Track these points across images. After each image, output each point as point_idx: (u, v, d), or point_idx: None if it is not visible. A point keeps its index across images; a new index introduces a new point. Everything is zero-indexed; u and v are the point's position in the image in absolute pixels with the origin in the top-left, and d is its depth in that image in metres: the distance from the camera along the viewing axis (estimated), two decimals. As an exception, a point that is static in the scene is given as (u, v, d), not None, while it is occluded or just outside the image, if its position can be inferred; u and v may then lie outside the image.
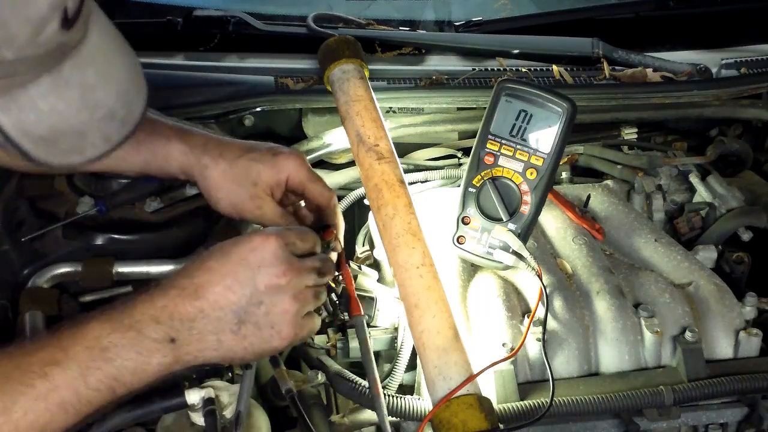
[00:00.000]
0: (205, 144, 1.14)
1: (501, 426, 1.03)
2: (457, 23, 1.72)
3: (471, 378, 0.99)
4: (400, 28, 1.71)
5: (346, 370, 1.16)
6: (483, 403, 0.97)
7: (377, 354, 1.27)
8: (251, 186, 1.12)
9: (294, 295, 0.95)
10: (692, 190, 1.51)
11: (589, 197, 1.41)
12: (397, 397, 1.09)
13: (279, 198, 1.15)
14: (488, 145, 1.22)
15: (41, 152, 0.79)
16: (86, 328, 0.89)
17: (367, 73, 1.38)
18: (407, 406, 1.08)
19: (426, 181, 1.49)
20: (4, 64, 0.71)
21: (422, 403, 1.08)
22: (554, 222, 1.36)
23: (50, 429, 0.85)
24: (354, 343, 1.21)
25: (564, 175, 1.55)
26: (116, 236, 1.26)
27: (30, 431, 0.83)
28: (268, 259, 0.95)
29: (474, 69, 1.57)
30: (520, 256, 1.19)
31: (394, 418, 1.10)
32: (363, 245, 1.41)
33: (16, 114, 0.75)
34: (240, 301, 0.93)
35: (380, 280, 1.28)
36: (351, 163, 1.53)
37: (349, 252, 1.36)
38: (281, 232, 0.99)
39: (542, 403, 1.06)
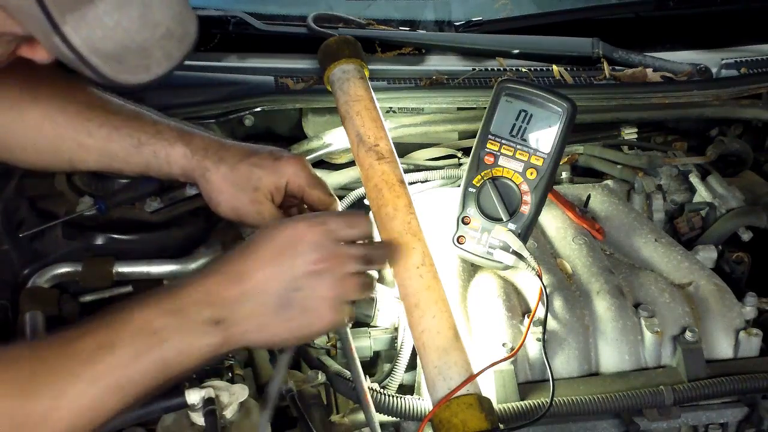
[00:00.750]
0: (207, 147, 1.15)
1: (501, 426, 1.03)
2: (457, 23, 1.72)
3: (471, 378, 0.99)
4: (400, 28, 1.71)
5: (346, 370, 1.16)
6: (483, 402, 0.97)
7: (377, 354, 1.27)
8: (252, 191, 1.13)
9: (333, 282, 0.96)
10: (692, 190, 1.51)
11: (589, 197, 1.41)
12: (396, 397, 1.09)
13: (279, 202, 1.15)
14: (488, 145, 1.22)
15: (109, 69, 0.82)
16: (133, 313, 0.90)
17: (367, 73, 1.38)
18: (407, 406, 1.08)
19: (426, 181, 1.49)
20: None
21: (422, 403, 1.08)
22: (554, 222, 1.36)
23: (103, 412, 0.86)
24: (354, 344, 1.21)
25: (564, 175, 1.55)
26: (116, 236, 1.26)
27: (84, 414, 0.85)
28: (305, 246, 0.96)
29: (474, 69, 1.57)
30: (520, 256, 1.19)
31: (394, 418, 1.10)
32: (363, 245, 1.41)
33: (85, 31, 0.79)
34: (280, 286, 0.94)
35: (380, 280, 1.28)
36: (351, 163, 1.53)
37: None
38: (322, 218, 0.99)
39: (542, 403, 1.06)
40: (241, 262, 0.96)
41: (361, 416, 1.17)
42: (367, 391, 1.06)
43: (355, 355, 1.10)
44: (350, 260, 0.97)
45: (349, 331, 1.11)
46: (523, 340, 1.10)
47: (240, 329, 0.93)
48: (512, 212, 1.20)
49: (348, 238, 0.99)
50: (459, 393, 0.97)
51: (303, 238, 0.96)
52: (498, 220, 1.21)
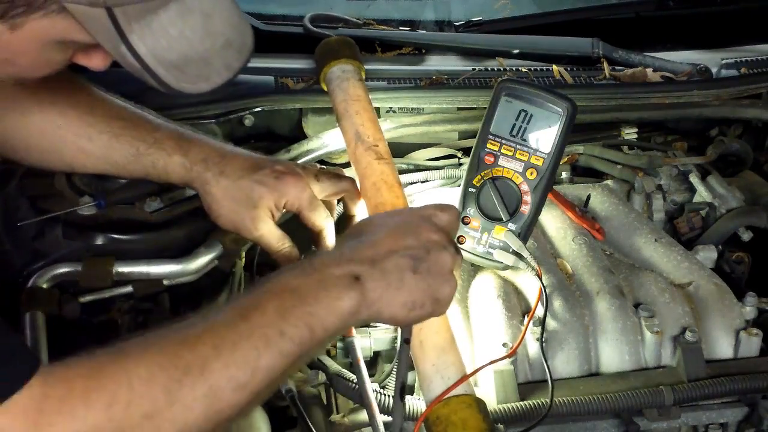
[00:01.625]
0: (206, 158, 1.15)
1: (501, 426, 1.03)
2: (457, 23, 1.72)
3: (468, 375, 0.98)
4: (400, 28, 1.71)
5: (346, 370, 1.15)
6: (480, 405, 0.96)
7: (377, 354, 1.27)
8: (252, 208, 1.14)
9: (449, 255, 0.97)
10: (692, 190, 1.51)
11: (589, 197, 1.41)
12: (397, 397, 1.09)
13: (278, 218, 1.17)
14: (488, 145, 1.22)
15: (172, 78, 0.84)
16: (270, 282, 0.91)
17: (363, 76, 1.38)
18: (407, 407, 1.07)
19: (426, 181, 1.49)
20: None
21: (422, 403, 1.08)
22: (554, 222, 1.36)
23: (260, 367, 0.85)
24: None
25: (564, 175, 1.55)
26: (116, 236, 1.26)
27: (241, 367, 0.84)
28: (424, 219, 0.99)
29: (474, 69, 1.57)
30: (520, 256, 1.19)
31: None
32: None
33: (150, 41, 0.81)
34: (411, 245, 0.95)
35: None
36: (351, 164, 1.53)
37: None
38: (423, 207, 1.04)
39: (542, 403, 1.06)
40: (370, 233, 0.96)
41: (361, 416, 1.17)
42: (374, 401, 1.06)
43: (362, 365, 1.10)
44: (451, 243, 0.99)
45: (356, 341, 1.13)
46: (521, 340, 1.10)
47: (380, 284, 0.92)
48: (512, 212, 1.20)
49: (443, 223, 1.01)
50: (457, 393, 0.97)
51: (417, 214, 1.00)
52: (498, 220, 1.21)
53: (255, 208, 1.13)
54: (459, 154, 1.58)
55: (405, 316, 0.94)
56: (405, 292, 0.93)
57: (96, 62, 0.90)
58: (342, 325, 0.91)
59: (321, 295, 0.89)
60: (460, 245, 1.22)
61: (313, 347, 0.90)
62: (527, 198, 1.20)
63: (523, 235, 1.20)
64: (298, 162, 1.44)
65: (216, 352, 0.82)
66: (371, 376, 1.24)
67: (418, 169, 1.52)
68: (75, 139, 1.16)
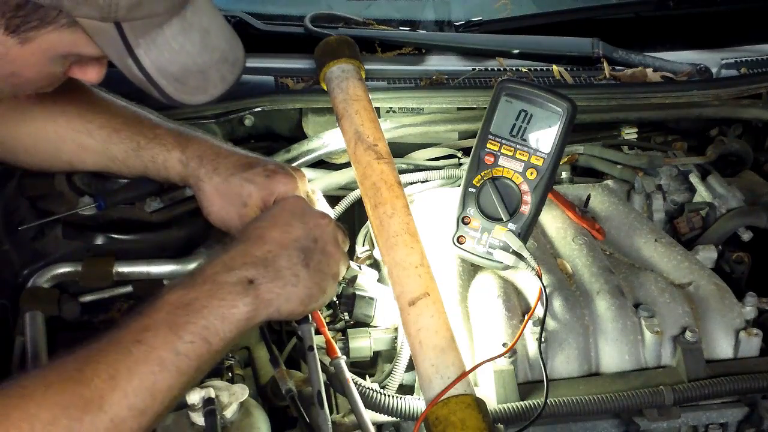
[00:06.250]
0: (202, 155, 1.16)
1: (501, 426, 1.03)
2: (457, 23, 1.72)
3: (465, 374, 0.98)
4: (400, 28, 1.71)
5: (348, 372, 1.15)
6: (480, 405, 0.96)
7: (377, 354, 1.27)
8: (241, 206, 1.14)
9: (334, 238, 1.06)
10: (692, 190, 1.51)
11: (589, 197, 1.41)
12: (396, 397, 1.09)
13: None
14: (488, 145, 1.22)
15: (173, 90, 0.88)
16: (163, 298, 0.92)
17: (363, 76, 1.38)
18: (407, 406, 1.08)
19: (426, 181, 1.49)
20: (148, 2, 0.81)
21: (422, 403, 1.08)
22: (554, 222, 1.36)
23: (158, 390, 0.87)
24: (354, 344, 1.21)
25: (564, 175, 1.55)
26: (116, 236, 1.26)
27: (139, 394, 0.85)
28: (305, 206, 1.07)
29: (474, 69, 1.57)
30: (520, 256, 1.19)
31: (393, 418, 1.10)
32: (363, 245, 1.41)
33: (154, 54, 0.85)
34: (299, 238, 1.01)
35: (380, 280, 1.28)
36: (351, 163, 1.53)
37: (349, 252, 1.36)
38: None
39: (541, 403, 1.05)
40: (259, 228, 1.01)
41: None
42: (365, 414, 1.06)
43: (356, 396, 1.08)
44: (337, 228, 1.07)
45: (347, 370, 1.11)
46: (518, 338, 1.10)
47: (275, 285, 0.96)
48: (512, 212, 1.20)
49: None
50: (457, 393, 0.97)
51: (298, 203, 1.07)
52: (498, 220, 1.21)
53: (244, 206, 1.14)
54: (459, 154, 1.58)
55: (302, 311, 1.00)
56: (301, 287, 0.98)
57: (91, 75, 0.93)
58: (239, 331, 0.93)
59: (215, 304, 0.91)
60: (460, 245, 1.22)
61: (212, 358, 0.92)
62: (527, 198, 1.20)
63: (523, 235, 1.20)
64: (298, 162, 1.45)
65: (113, 384, 0.84)
66: (371, 376, 1.24)
67: (418, 169, 1.52)
68: (75, 136, 1.17)
